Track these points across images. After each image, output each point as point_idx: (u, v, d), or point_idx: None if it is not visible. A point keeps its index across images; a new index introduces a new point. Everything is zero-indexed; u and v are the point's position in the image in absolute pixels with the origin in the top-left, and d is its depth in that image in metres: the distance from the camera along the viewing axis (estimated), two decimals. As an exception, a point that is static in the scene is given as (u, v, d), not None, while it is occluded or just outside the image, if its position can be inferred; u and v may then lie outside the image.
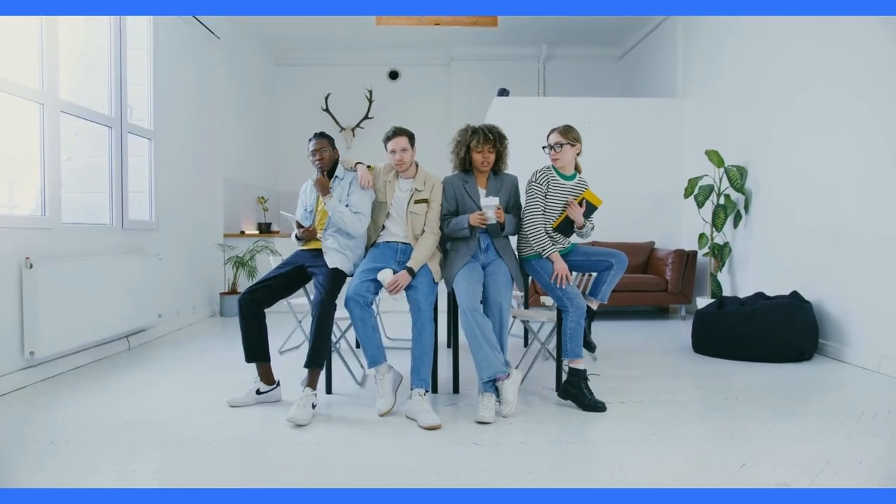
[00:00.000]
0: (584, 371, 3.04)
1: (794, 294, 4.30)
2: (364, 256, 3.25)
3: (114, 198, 4.42)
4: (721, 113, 5.79)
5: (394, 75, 8.73)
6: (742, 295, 5.12)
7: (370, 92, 8.45)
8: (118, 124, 4.43)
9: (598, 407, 2.96)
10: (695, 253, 5.89)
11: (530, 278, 3.52)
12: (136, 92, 4.81)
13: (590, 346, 3.35)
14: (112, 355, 4.24)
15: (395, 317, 5.22)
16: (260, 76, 7.95)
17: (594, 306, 3.35)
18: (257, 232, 7.02)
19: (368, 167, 3.33)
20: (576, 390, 3.01)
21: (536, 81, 8.50)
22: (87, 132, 4.50)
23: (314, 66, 8.55)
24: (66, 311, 3.66)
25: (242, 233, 6.86)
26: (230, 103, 6.76)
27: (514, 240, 3.43)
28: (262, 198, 7.39)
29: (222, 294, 6.23)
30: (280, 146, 8.47)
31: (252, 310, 3.06)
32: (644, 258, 6.30)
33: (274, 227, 7.22)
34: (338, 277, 3.07)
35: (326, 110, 8.46)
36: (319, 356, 2.88)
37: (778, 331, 4.05)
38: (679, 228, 6.52)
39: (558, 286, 3.10)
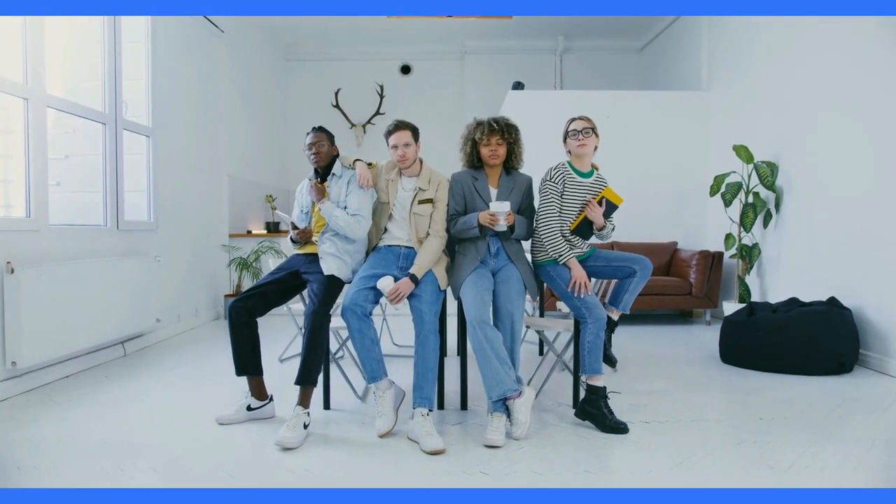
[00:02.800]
0: (604, 388, 2.77)
1: (832, 300, 3.98)
2: (364, 262, 3.00)
3: (108, 197, 4.23)
4: (749, 106, 5.45)
5: (406, 70, 8.48)
6: (773, 300, 4.80)
7: (381, 87, 8.21)
8: (112, 120, 4.22)
9: (619, 428, 2.68)
10: (721, 254, 5.56)
11: (545, 284, 3.25)
12: (134, 87, 4.62)
13: (610, 361, 3.07)
14: (106, 363, 4.05)
15: (403, 321, 4.96)
16: (267, 71, 7.74)
17: (615, 317, 3.06)
18: (265, 231, 6.82)
19: (369, 165, 3.08)
20: (595, 410, 2.74)
21: (553, 75, 8.20)
22: (84, 129, 4.32)
23: (324, 60, 8.33)
24: (54, 317, 3.46)
25: (249, 232, 6.67)
26: (236, 99, 6.55)
27: (526, 244, 3.16)
28: (270, 196, 7.18)
29: (227, 296, 6.04)
30: (289, 143, 8.26)
31: (243, 319, 2.82)
32: (666, 259, 5.99)
33: (282, 227, 7.02)
34: (334, 285, 2.82)
35: (336, 106, 8.23)
36: (311, 373, 2.64)
37: (815, 340, 3.73)
38: (703, 228, 6.19)
39: (576, 295, 2.82)
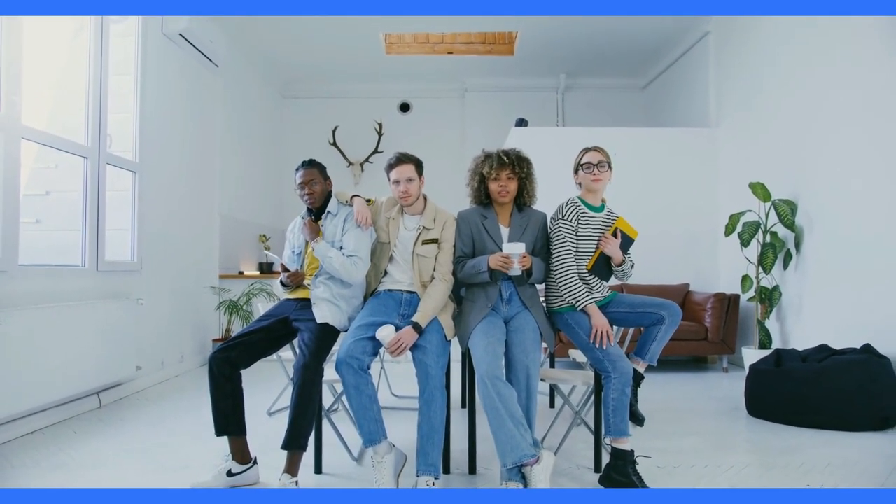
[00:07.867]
0: (632, 453, 2.45)
1: (867, 347, 3.68)
2: (362, 308, 2.71)
3: (87, 236, 3.95)
4: (761, 142, 5.25)
5: (405, 107, 8.35)
6: (795, 345, 4.50)
7: (380, 125, 8.04)
8: (95, 154, 3.98)
9: (651, 499, 2.35)
10: (737, 297, 5.28)
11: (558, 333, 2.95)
12: (121, 121, 4.40)
13: (637, 419, 2.75)
14: (76, 416, 3.70)
15: (403, 368, 4.64)
16: (263, 107, 7.57)
17: (641, 369, 2.76)
18: (258, 272, 6.52)
19: (368, 201, 2.82)
20: (622, 478, 2.41)
21: (555, 113, 8.07)
22: (67, 165, 4.08)
23: (321, 98, 8.20)
24: (19, 366, 3.15)
25: (241, 273, 6.37)
26: (230, 135, 6.34)
27: (540, 287, 2.88)
28: (264, 236, 6.92)
29: (215, 341, 5.70)
30: (285, 181, 8.03)
31: (225, 372, 2.51)
32: (678, 302, 5.68)
33: (276, 268, 6.72)
34: (327, 335, 2.52)
35: (334, 144, 8.05)
36: (300, 436, 2.31)
37: (853, 393, 3.41)
38: (716, 269, 5.93)
39: (598, 346, 2.53)
